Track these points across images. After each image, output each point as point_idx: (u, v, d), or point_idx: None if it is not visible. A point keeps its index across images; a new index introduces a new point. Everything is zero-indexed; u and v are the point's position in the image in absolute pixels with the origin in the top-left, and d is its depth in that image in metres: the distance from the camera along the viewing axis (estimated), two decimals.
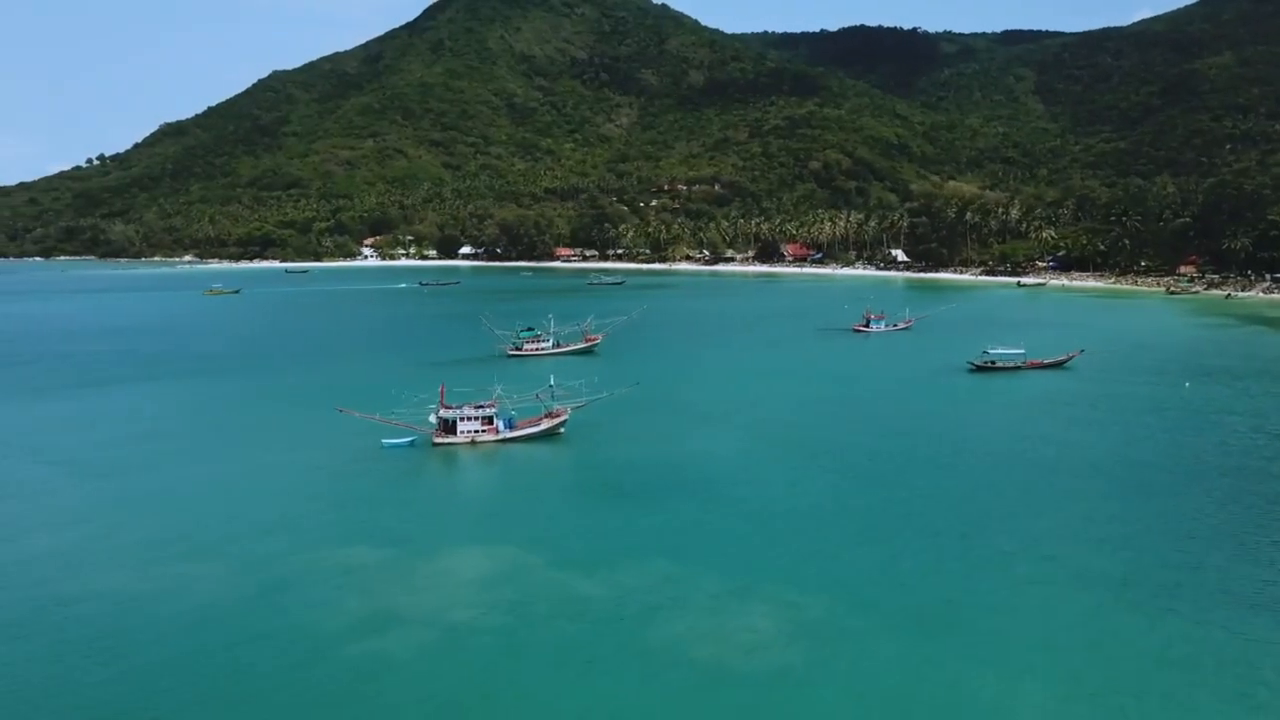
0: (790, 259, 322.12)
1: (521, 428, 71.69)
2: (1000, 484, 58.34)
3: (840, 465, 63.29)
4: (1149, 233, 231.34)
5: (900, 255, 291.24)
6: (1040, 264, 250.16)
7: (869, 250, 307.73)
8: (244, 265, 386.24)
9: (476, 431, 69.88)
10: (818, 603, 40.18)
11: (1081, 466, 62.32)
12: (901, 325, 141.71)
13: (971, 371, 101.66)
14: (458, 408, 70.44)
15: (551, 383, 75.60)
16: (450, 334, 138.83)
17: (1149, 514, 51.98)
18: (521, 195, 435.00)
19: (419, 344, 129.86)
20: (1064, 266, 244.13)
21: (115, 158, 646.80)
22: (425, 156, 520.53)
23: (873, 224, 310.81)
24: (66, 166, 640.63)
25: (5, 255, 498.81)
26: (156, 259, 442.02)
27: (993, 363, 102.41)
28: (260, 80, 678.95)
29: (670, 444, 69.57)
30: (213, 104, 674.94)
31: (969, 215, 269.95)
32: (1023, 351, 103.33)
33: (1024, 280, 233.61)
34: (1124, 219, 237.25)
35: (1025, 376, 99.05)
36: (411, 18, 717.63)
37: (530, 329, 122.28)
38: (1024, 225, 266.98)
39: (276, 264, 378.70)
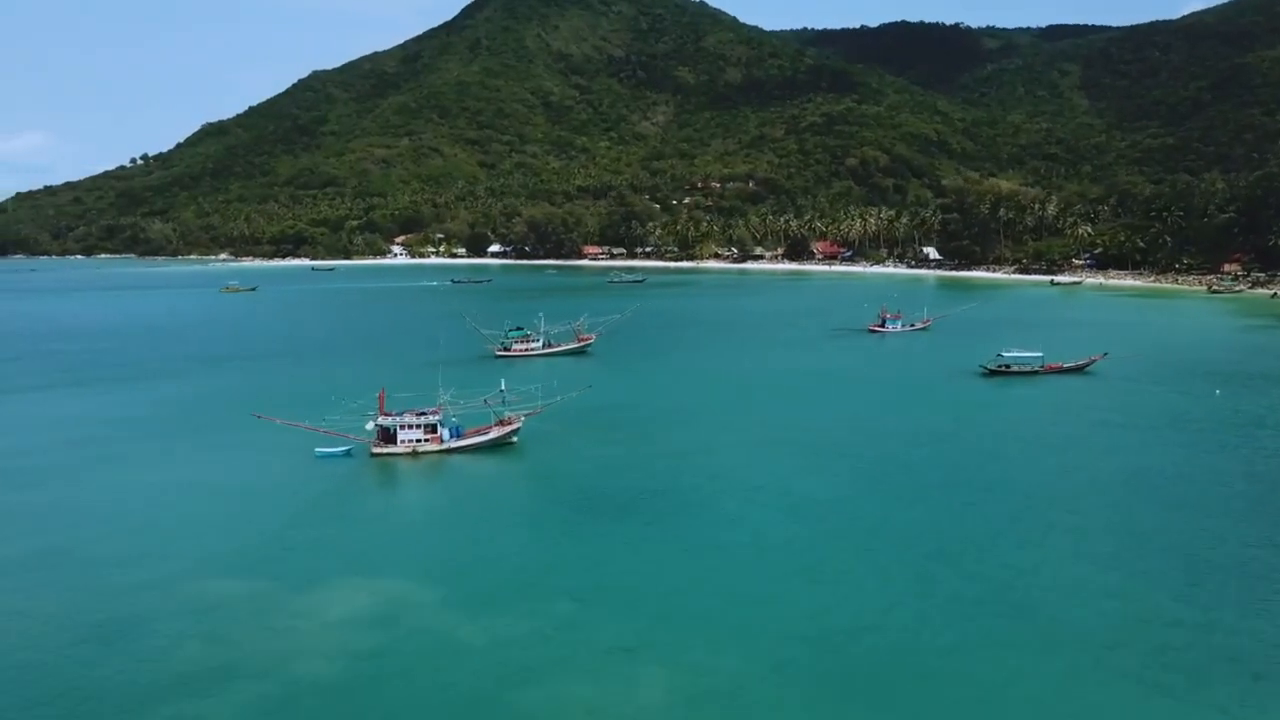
0: (820, 257, 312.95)
1: (469, 436, 65.70)
2: (984, 509, 50.96)
3: (815, 481, 56.24)
4: (1191, 229, 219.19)
5: (932, 253, 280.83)
6: (1076, 262, 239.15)
7: (901, 248, 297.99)
8: (275, 263, 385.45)
9: (418, 441, 63.94)
10: (726, 663, 33.36)
11: (1080, 489, 54.70)
12: (919, 325, 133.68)
13: (983, 376, 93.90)
14: (398, 414, 64.56)
15: (503, 387, 69.46)
16: (443, 334, 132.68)
17: (1149, 551, 44.41)
18: (554, 193, 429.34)
19: (408, 344, 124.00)
20: (1101, 264, 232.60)
21: (158, 157, 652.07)
22: (461, 155, 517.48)
23: (904, 221, 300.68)
24: (111, 166, 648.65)
25: (49, 253, 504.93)
26: (193, 257, 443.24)
27: (1007, 366, 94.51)
28: (300, 80, 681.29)
29: (634, 454, 63.31)
30: (254, 103, 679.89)
31: (1003, 211, 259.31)
32: (1040, 354, 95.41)
33: (1058, 279, 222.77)
34: (1165, 215, 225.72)
35: (1041, 381, 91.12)
36: (450, 17, 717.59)
37: (519, 329, 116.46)
38: (1060, 222, 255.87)
39: (305, 262, 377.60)
